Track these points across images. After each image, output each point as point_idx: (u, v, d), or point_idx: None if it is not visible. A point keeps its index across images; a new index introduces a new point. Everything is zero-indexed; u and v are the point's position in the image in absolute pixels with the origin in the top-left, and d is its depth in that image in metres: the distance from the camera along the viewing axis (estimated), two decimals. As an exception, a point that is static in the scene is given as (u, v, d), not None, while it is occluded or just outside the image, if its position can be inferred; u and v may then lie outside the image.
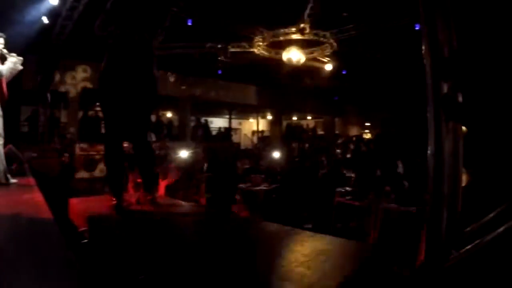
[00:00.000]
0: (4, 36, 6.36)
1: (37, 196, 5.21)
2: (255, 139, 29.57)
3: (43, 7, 11.75)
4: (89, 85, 18.11)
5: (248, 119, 32.68)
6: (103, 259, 3.29)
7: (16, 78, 6.53)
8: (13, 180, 6.40)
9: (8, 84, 6.37)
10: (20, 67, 6.42)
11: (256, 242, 3.03)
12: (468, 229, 2.50)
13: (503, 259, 2.27)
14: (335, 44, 16.63)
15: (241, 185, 13.39)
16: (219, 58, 18.31)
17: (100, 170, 16.38)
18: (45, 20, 11.99)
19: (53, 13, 12.10)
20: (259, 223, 3.70)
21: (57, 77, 17.30)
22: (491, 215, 2.52)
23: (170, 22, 4.67)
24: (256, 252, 2.76)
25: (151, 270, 2.49)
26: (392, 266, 2.61)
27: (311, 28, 15.21)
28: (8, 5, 10.70)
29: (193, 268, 2.45)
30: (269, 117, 30.38)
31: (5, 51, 6.31)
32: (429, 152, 2.59)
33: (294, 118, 32.63)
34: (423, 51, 2.60)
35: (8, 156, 6.54)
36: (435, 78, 2.56)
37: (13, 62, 6.30)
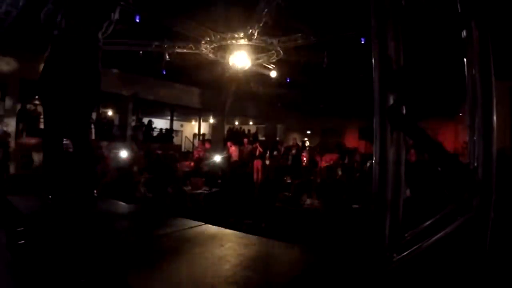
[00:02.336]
0: None
1: None
2: (196, 142, 29.44)
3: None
4: (29, 76, 17.56)
5: (190, 121, 32.53)
6: (43, 261, 3.22)
7: None
8: None
9: None
10: None
11: (198, 245, 3.03)
12: (408, 234, 2.62)
13: (440, 262, 2.40)
14: (281, 52, 16.81)
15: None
16: (165, 58, 18.15)
17: (37, 166, 15.91)
18: None
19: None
20: (200, 225, 3.68)
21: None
22: (428, 222, 2.64)
23: (119, 16, 4.62)
24: (199, 256, 2.77)
25: (91, 273, 2.47)
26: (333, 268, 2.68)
27: (259, 34, 15.32)
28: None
29: (133, 272, 2.43)
30: (211, 120, 30.32)
31: None
32: (374, 160, 2.68)
33: (236, 123, 32.71)
34: (372, 63, 2.69)
35: None
36: (382, 89, 2.65)
37: None
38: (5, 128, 18.32)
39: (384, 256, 2.48)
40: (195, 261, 2.67)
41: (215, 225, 3.66)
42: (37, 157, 16.02)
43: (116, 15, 4.52)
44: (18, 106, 19.78)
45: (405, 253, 2.46)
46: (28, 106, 20.38)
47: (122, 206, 5.50)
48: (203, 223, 3.78)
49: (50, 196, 4.24)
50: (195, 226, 3.64)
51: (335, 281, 2.43)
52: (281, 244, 3.20)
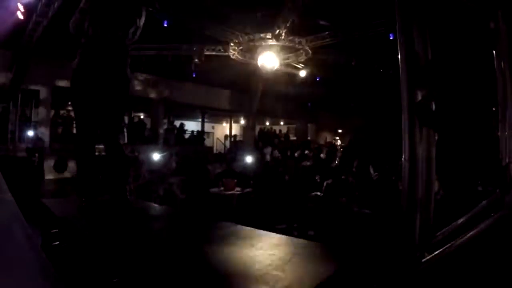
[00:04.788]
0: None
1: (6, 196, 5.14)
2: (227, 143, 29.53)
3: (18, 1, 11.54)
4: (61, 83, 17.82)
5: (221, 123, 32.64)
6: (76, 262, 3.27)
7: None
8: None
9: None
10: None
11: (229, 245, 3.03)
12: (440, 233, 2.56)
13: (472, 261, 2.34)
14: (310, 51, 16.75)
15: (213, 189, 13.36)
16: (194, 61, 18.25)
17: (71, 171, 16.17)
18: (19, 15, 11.78)
19: (28, 9, 11.89)
20: (232, 226, 3.68)
21: (29, 74, 16.94)
22: (460, 220, 2.59)
23: (145, 22, 4.65)
24: (230, 256, 2.77)
25: (124, 273, 2.49)
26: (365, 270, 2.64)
27: (287, 34, 15.29)
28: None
29: (166, 271, 2.45)
30: (242, 121, 30.37)
31: None
32: (403, 158, 2.64)
33: (267, 123, 32.68)
34: (399, 60, 2.65)
35: None
36: (410, 86, 2.61)
37: None
38: (39, 134, 18.70)
39: (414, 256, 2.44)
40: (226, 261, 2.66)
41: (247, 226, 3.65)
42: (71, 162, 16.25)
43: (142, 21, 4.55)
44: (52, 113, 20.16)
45: (436, 253, 2.41)
46: (61, 112, 20.72)
47: (155, 207, 5.54)
48: (234, 224, 3.78)
49: (83, 199, 4.30)
50: (227, 227, 3.64)
51: (366, 281, 2.40)
52: (313, 244, 3.17)
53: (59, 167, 17.13)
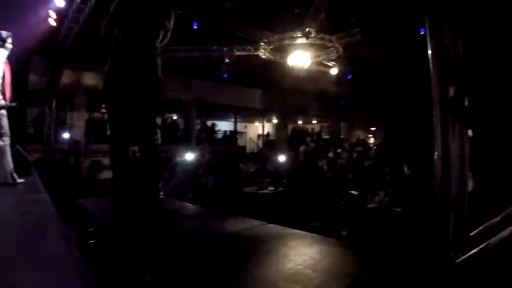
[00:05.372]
0: (11, 34, 6.43)
1: (44, 196, 5.25)
2: (260, 142, 29.53)
3: (50, 8, 11.77)
4: (95, 87, 18.10)
5: (254, 122, 32.65)
6: (110, 260, 3.31)
7: (22, 80, 6.56)
8: (19, 180, 6.48)
9: (14, 85, 6.45)
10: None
11: (262, 244, 3.02)
12: (474, 232, 2.50)
13: (509, 263, 2.27)
14: (340, 48, 16.63)
15: (246, 189, 13.37)
16: (225, 62, 18.33)
17: (106, 171, 16.41)
18: (52, 22, 12.00)
19: (60, 15, 12.11)
20: (265, 225, 3.67)
21: (64, 78, 17.28)
22: (497, 218, 2.51)
23: (175, 25, 4.67)
24: (263, 255, 2.76)
25: (157, 271, 2.50)
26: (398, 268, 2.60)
27: (317, 32, 15.22)
28: (16, 6, 10.74)
29: (198, 270, 2.45)
30: (275, 120, 30.34)
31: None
32: (436, 155, 2.59)
33: (300, 122, 32.58)
34: (429, 55, 2.60)
35: (14, 156, 6.58)
36: (441, 81, 2.56)
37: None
38: (75, 136, 19.07)
39: (447, 256, 2.38)
40: (259, 259, 2.67)
41: (280, 225, 3.64)
42: (105, 162, 16.50)
43: (171, 24, 4.58)
44: (86, 115, 20.53)
45: (470, 253, 2.35)
46: (96, 115, 21.07)
47: (188, 207, 5.57)
48: (267, 223, 3.77)
49: (118, 199, 4.37)
50: (260, 226, 3.64)
51: (398, 281, 2.35)
52: (345, 243, 3.15)
53: (94, 168, 17.42)
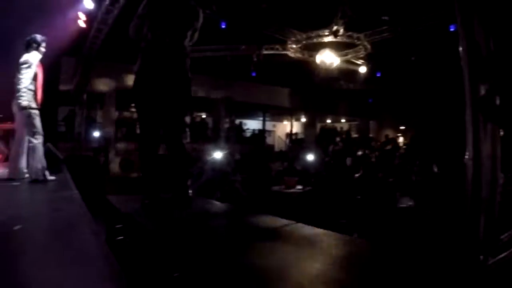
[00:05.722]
0: (45, 39, 6.66)
1: (74, 193, 5.34)
2: (288, 141, 29.48)
3: (79, 10, 11.99)
4: (124, 86, 18.35)
5: (282, 121, 32.63)
6: (139, 256, 3.34)
7: (53, 80, 6.71)
8: (51, 177, 6.63)
9: (45, 86, 6.63)
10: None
11: (289, 243, 3.01)
12: (505, 235, 2.45)
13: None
14: (369, 46, 16.50)
15: (274, 187, 13.34)
16: (253, 61, 18.36)
17: (135, 169, 16.58)
18: (81, 24, 12.21)
19: (89, 17, 12.31)
20: (292, 224, 3.66)
21: (94, 78, 17.58)
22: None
23: (203, 24, 4.69)
24: (290, 254, 2.74)
25: (185, 268, 2.51)
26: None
27: (345, 30, 15.13)
28: (46, 9, 10.96)
29: (226, 268, 2.45)
30: (303, 119, 30.26)
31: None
32: (467, 156, 2.54)
33: (328, 120, 32.40)
34: (460, 52, 2.55)
35: (46, 154, 6.72)
36: (473, 79, 2.51)
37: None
38: (105, 135, 19.37)
39: (477, 259, 2.34)
40: (286, 259, 2.64)
41: (308, 224, 3.62)
42: (135, 160, 16.69)
43: (199, 23, 4.60)
44: (116, 114, 20.83)
45: (501, 256, 2.29)
46: (125, 113, 21.35)
47: (216, 205, 5.59)
48: (295, 222, 3.76)
49: (147, 196, 4.41)
50: (288, 225, 3.63)
51: (428, 284, 2.31)
52: (373, 244, 3.12)
53: (124, 166, 17.63)
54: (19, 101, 6.33)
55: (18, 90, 6.36)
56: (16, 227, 3.20)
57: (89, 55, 15.39)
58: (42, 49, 6.62)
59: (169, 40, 4.37)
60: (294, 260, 2.62)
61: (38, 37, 6.59)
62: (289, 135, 30.47)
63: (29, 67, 6.34)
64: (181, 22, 4.46)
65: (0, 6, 10.43)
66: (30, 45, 6.50)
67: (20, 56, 6.48)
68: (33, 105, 6.45)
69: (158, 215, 4.08)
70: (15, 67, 6.51)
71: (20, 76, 6.32)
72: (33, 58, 6.43)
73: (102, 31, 13.41)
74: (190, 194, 4.82)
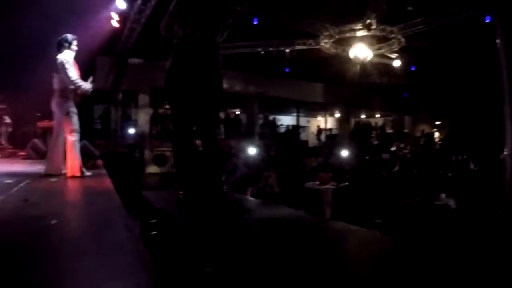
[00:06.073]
0: (77, 38, 6.89)
1: (109, 188, 5.48)
2: (323, 137, 29.32)
3: (112, 11, 12.22)
4: (158, 84, 18.57)
5: (316, 117, 32.49)
6: (171, 251, 3.37)
7: (88, 79, 6.94)
8: (88, 173, 6.89)
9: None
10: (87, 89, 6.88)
11: (323, 241, 3.00)
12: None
13: None
14: (403, 39, 16.28)
15: (308, 184, 13.29)
16: (286, 56, 18.33)
17: (170, 165, 16.77)
18: (114, 23, 12.43)
19: (122, 17, 12.52)
20: (327, 221, 3.64)
21: (128, 76, 17.83)
22: None
23: (235, 20, 4.70)
24: (323, 251, 2.73)
25: (218, 263, 2.52)
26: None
27: (378, 23, 14.96)
28: (79, 11, 11.22)
29: (259, 264, 2.46)
30: (337, 115, 30.08)
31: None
32: (505, 152, 2.49)
33: (363, 116, 32.13)
34: (497, 44, 2.50)
35: (83, 150, 6.89)
36: (511, 73, 2.46)
37: (89, 87, 6.86)
38: (140, 132, 19.68)
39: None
40: (318, 256, 2.63)
41: (342, 221, 3.60)
42: (169, 156, 16.89)
43: (231, 20, 4.61)
44: (150, 111, 21.10)
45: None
46: (160, 110, 21.61)
47: (250, 201, 5.62)
48: (329, 219, 3.75)
49: (181, 192, 4.44)
50: (321, 221, 3.62)
51: (461, 284, 2.27)
52: (409, 243, 3.07)
53: (158, 162, 17.85)
54: (60, 99, 6.65)
55: (62, 89, 6.66)
56: (53, 221, 3.30)
57: (123, 54, 15.62)
58: (74, 47, 6.83)
59: (200, 36, 4.39)
60: (328, 257, 2.61)
61: (69, 36, 6.81)
62: (319, 131, 30.11)
63: (70, 65, 6.59)
64: (212, 18, 4.47)
65: (35, 10, 10.74)
66: (62, 45, 6.73)
67: (54, 57, 6.70)
68: (73, 102, 6.74)
69: (192, 210, 4.12)
70: (53, 68, 6.71)
71: (69, 75, 6.56)
72: (69, 57, 6.65)
73: (135, 30, 13.62)
74: (224, 190, 4.83)
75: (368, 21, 14.70)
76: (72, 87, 6.68)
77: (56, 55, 6.67)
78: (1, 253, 2.57)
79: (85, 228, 3.45)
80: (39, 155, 10.06)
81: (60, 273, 2.20)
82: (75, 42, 6.82)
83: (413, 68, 20.24)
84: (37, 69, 8.95)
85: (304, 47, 17.99)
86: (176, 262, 3.14)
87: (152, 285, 2.07)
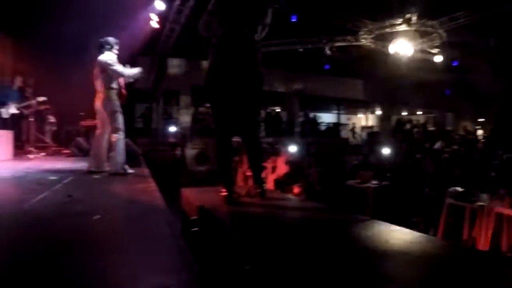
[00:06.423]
0: (118, 42, 7.14)
1: (151, 186, 5.63)
2: (364, 134, 29.06)
3: (152, 12, 12.44)
4: (199, 82, 18.76)
5: (357, 114, 32.23)
6: (212, 247, 3.42)
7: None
8: (130, 171, 7.09)
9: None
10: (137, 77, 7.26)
11: (362, 240, 2.98)
12: None
13: None
14: (444, 34, 15.96)
15: (349, 182, 13.21)
16: (325, 53, 18.24)
17: (211, 163, 16.91)
18: (154, 24, 12.64)
19: (161, 17, 12.72)
20: (367, 220, 3.62)
21: (169, 75, 18.10)
22: None
23: (274, 18, 4.71)
24: (362, 251, 2.71)
25: (257, 261, 2.54)
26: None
27: (418, 18, 14.72)
28: (120, 12, 11.46)
29: (297, 263, 2.47)
30: (378, 112, 29.76)
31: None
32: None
33: (404, 113, 31.66)
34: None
35: (126, 148, 7.07)
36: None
37: (139, 71, 7.14)
38: (181, 130, 19.96)
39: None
40: (358, 256, 2.62)
41: (382, 220, 3.57)
42: (210, 154, 17.04)
43: (269, 17, 4.62)
44: (192, 110, 21.35)
45: None
46: (201, 109, 21.85)
47: (290, 199, 5.63)
48: (369, 218, 3.73)
49: (222, 189, 4.49)
50: (361, 221, 3.59)
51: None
52: (450, 244, 3.00)
53: (200, 159, 18.03)
54: (105, 98, 6.88)
55: (105, 88, 6.89)
56: (96, 217, 3.42)
57: (163, 53, 15.83)
58: (115, 51, 7.05)
59: (240, 34, 4.43)
60: (367, 257, 2.59)
61: (111, 39, 7.04)
62: (364, 128, 29.87)
63: (114, 62, 6.86)
64: (250, 16, 4.50)
65: (76, 14, 11.06)
66: (103, 47, 6.96)
67: (94, 58, 6.97)
68: (117, 102, 6.96)
69: (233, 207, 4.15)
70: (94, 70, 6.92)
71: (116, 70, 6.86)
72: (112, 57, 6.90)
73: (174, 30, 13.80)
74: (264, 188, 4.86)
75: (408, 15, 14.48)
76: (122, 80, 7.08)
77: (98, 56, 6.91)
78: (46, 247, 2.69)
79: (127, 224, 3.57)
80: (82, 152, 10.33)
81: (102, 268, 2.28)
82: (116, 46, 7.06)
83: (455, 63, 19.83)
84: (78, 70, 9.24)
85: (344, 44, 17.87)
86: (216, 259, 3.18)
87: (192, 281, 2.11)
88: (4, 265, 2.37)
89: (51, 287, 2.06)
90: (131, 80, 7.31)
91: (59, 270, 2.26)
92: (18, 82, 11.43)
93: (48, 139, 12.51)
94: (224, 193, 4.41)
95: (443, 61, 18.74)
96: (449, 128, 29.03)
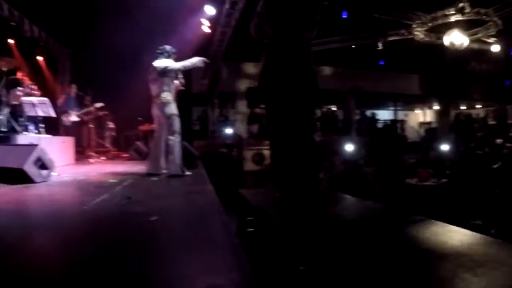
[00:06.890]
0: (175, 51, 7.48)
1: (208, 187, 5.74)
2: (422, 131, 28.45)
3: (202, 17, 12.67)
4: (254, 84, 18.94)
5: (414, 110, 31.61)
6: (267, 248, 3.42)
7: (186, 83, 7.39)
8: (187, 172, 7.34)
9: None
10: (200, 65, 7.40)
11: (419, 241, 2.91)
12: None
13: None
14: (499, 21, 15.40)
15: (407, 180, 12.99)
16: (379, 48, 17.97)
17: (267, 163, 16.98)
18: (205, 29, 12.84)
19: (212, 22, 12.91)
20: (424, 221, 3.52)
21: (224, 78, 18.34)
22: None
23: (324, 16, 4.69)
24: (418, 253, 2.63)
25: (312, 262, 2.53)
26: None
27: (472, 6, 14.27)
28: (173, 19, 11.72)
29: (352, 264, 2.44)
30: (436, 107, 29.06)
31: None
32: None
33: (463, 107, 30.77)
34: None
35: (182, 151, 7.37)
36: None
37: (199, 59, 7.35)
38: (237, 131, 20.21)
39: None
40: (411, 257, 2.56)
41: (440, 220, 3.48)
42: (267, 155, 17.13)
43: (319, 16, 4.60)
44: (247, 111, 21.54)
45: None
46: (256, 110, 21.99)
47: (346, 198, 5.56)
48: (427, 218, 3.63)
49: (278, 190, 4.52)
50: (418, 221, 3.51)
51: None
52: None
53: (256, 160, 18.15)
54: (161, 103, 7.16)
55: (160, 93, 7.15)
56: (154, 218, 3.51)
57: (216, 57, 16.01)
58: (172, 60, 7.36)
59: (291, 34, 4.43)
60: (421, 258, 2.52)
61: (168, 47, 7.39)
62: (422, 124, 29.22)
63: (171, 62, 7.24)
64: (300, 16, 4.50)
65: (130, 23, 11.42)
66: (162, 54, 7.30)
67: (150, 64, 7.28)
68: (174, 106, 7.25)
69: (288, 208, 4.15)
70: (154, 73, 7.12)
71: (177, 67, 7.25)
72: (170, 63, 7.22)
73: (226, 34, 13.92)
74: (321, 188, 4.84)
75: (461, 4, 14.07)
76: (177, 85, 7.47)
77: (154, 61, 7.21)
78: (105, 247, 2.79)
79: (183, 225, 3.65)
80: (141, 156, 10.64)
81: (158, 267, 2.33)
82: (173, 56, 7.40)
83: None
84: (135, 77, 9.53)
85: (397, 38, 17.56)
86: (271, 259, 3.18)
87: (245, 281, 2.12)
88: (66, 262, 2.48)
89: (111, 285, 2.12)
90: (195, 67, 7.46)
91: (118, 269, 2.33)
92: (74, 90, 11.82)
93: (108, 144, 12.98)
94: (280, 193, 4.41)
95: (500, 50, 18.10)
96: (510, 121, 27.99)
